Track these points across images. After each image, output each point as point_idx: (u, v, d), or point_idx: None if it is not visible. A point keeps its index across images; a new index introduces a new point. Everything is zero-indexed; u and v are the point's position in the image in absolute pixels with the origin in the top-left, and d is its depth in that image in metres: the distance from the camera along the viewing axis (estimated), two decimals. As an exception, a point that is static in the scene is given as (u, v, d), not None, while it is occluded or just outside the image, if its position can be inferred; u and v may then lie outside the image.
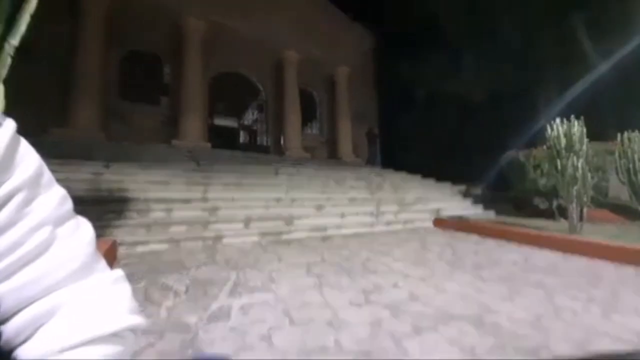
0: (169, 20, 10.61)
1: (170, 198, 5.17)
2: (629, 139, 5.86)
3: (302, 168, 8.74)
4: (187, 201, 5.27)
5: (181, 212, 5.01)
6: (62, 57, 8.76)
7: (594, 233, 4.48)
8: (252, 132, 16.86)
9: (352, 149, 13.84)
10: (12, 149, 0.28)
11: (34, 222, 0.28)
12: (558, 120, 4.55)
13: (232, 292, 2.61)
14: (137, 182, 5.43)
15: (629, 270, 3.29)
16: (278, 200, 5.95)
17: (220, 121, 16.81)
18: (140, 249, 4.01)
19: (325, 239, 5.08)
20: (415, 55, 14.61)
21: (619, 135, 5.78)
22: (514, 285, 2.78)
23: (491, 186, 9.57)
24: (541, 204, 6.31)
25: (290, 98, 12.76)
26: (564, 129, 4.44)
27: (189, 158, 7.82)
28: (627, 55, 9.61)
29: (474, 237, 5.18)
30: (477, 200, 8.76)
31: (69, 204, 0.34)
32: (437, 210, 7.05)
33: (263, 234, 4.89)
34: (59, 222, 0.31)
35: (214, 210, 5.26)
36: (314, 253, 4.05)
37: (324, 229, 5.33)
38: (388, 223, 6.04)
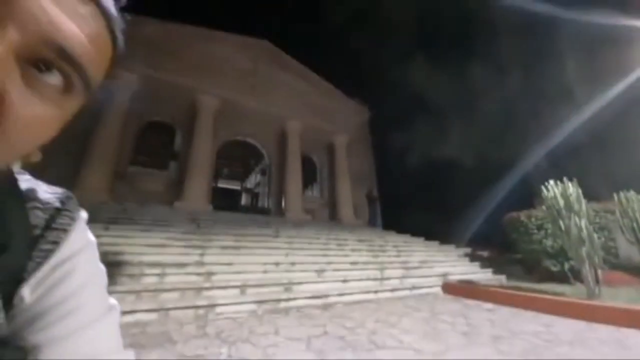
0: (184, 96, 11.89)
1: (165, 262, 4.97)
2: (627, 199, 5.93)
3: (302, 230, 8.61)
4: (182, 265, 5.05)
5: (175, 277, 4.75)
6: (81, 125, 9.52)
7: (614, 297, 4.17)
8: (254, 195, 17.17)
9: (352, 210, 13.87)
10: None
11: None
12: (552, 181, 4.69)
13: None
14: (134, 244, 5.31)
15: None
16: (277, 264, 5.70)
17: (224, 184, 17.32)
18: (125, 319, 3.69)
19: (326, 306, 4.70)
20: (408, 125, 15.90)
21: (615, 195, 5.87)
22: (540, 361, 2.47)
23: (497, 248, 9.27)
24: (552, 266, 6.01)
25: (292, 162, 13.38)
26: (559, 190, 4.54)
27: (189, 220, 7.80)
28: (599, 125, 10.43)
29: (487, 305, 4.80)
30: (484, 263, 8.38)
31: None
32: (444, 275, 6.69)
33: (260, 302, 4.54)
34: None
35: (209, 275, 5.00)
36: (315, 324, 3.70)
37: (326, 295, 4.97)
38: (394, 289, 5.66)
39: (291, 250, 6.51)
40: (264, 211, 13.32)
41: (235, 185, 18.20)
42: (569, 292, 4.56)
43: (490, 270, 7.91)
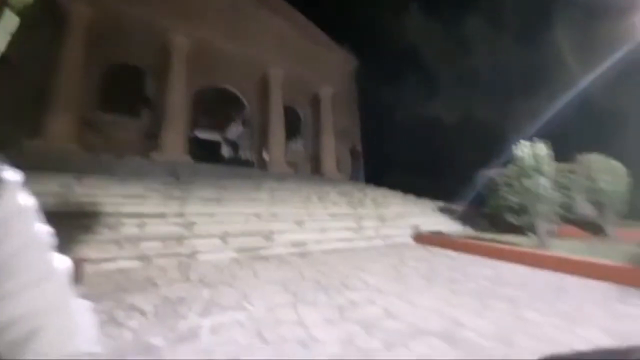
0: (154, 35, 10.64)
1: (145, 213, 5.00)
2: (588, 161, 6.33)
3: (284, 183, 8.73)
4: (162, 216, 5.11)
5: (155, 228, 4.84)
6: (40, 69, 8.53)
7: (561, 248, 4.70)
8: (235, 146, 16.79)
9: (335, 165, 14.03)
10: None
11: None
12: (523, 141, 4.86)
13: (204, 312, 2.52)
14: (110, 196, 5.23)
15: (592, 284, 3.46)
16: (258, 215, 5.88)
17: (203, 135, 16.70)
18: (108, 266, 3.82)
19: (305, 254, 5.03)
20: (396, 79, 15.36)
21: (578, 156, 6.23)
22: (485, 300, 2.85)
23: (469, 203, 9.91)
24: (514, 220, 6.57)
25: (275, 113, 12.92)
26: (529, 150, 4.73)
27: (168, 171, 7.65)
28: (588, 86, 10.51)
29: (451, 253, 5.30)
30: (455, 216, 9.02)
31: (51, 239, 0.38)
32: (417, 226, 7.19)
33: (241, 250, 4.79)
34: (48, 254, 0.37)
35: (190, 225, 5.12)
36: (292, 269, 4.00)
37: (304, 244, 5.29)
38: (368, 238, 6.08)
39: (273, 202, 6.67)
40: (246, 163, 13.21)
41: (215, 136, 17.61)
42: (523, 243, 5.07)
43: (460, 222, 8.57)
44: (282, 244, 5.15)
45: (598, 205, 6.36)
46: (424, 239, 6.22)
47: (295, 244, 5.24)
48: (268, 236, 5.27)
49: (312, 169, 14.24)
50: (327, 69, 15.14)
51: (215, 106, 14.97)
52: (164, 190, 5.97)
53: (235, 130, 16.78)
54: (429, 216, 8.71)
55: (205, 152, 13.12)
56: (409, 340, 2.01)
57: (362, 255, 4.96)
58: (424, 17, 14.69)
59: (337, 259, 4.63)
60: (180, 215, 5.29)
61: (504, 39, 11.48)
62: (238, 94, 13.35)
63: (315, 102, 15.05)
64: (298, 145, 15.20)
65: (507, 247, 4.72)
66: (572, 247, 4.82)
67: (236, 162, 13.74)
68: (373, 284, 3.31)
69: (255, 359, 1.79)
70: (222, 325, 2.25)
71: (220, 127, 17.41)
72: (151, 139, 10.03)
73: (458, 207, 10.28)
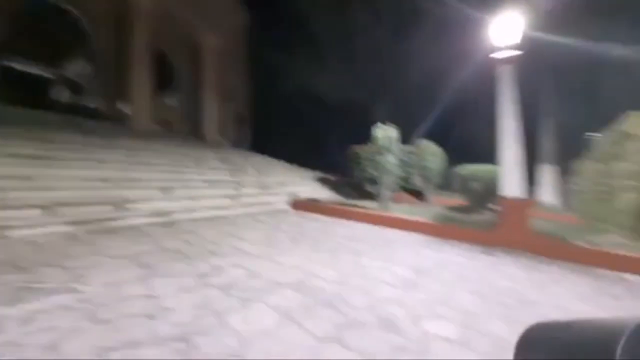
0: None
1: None
2: (422, 145, 8.31)
3: (151, 143, 7.38)
4: None
5: None
6: None
7: (396, 210, 6.09)
8: (77, 89, 12.68)
9: (217, 128, 12.91)
10: None
11: None
12: (380, 124, 5.82)
13: (11, 300, 1.91)
14: None
15: (411, 236, 4.68)
16: (107, 180, 4.79)
17: (22, 66, 11.71)
18: None
19: (168, 224, 4.52)
20: (289, 49, 15.03)
21: (416, 141, 8.07)
22: (337, 254, 3.39)
23: (342, 174, 11.32)
24: (371, 189, 8.01)
25: (139, 55, 10.40)
26: (384, 132, 5.73)
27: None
28: (442, 85, 13.40)
29: (321, 217, 5.98)
30: (331, 185, 10.16)
31: None
32: (296, 194, 7.68)
33: (77, 223, 3.82)
34: None
35: (-11, 191, 3.65)
36: (151, 241, 3.54)
37: (170, 213, 4.74)
38: (246, 206, 6.06)
39: (130, 165, 5.55)
40: (92, 113, 10.28)
41: (43, 71, 12.70)
42: (372, 207, 6.27)
43: (334, 191, 9.72)
44: (141, 214, 4.44)
45: (425, 178, 8.54)
46: (300, 205, 6.74)
47: (159, 214, 4.63)
48: (120, 205, 4.40)
49: (191, 131, 12.63)
50: (212, 15, 13.16)
51: (45, 30, 10.60)
52: None
53: (77, 67, 12.55)
54: (308, 185, 9.45)
55: (25, 92, 9.35)
56: (266, 295, 2.17)
57: (237, 223, 4.91)
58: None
59: (208, 228, 4.41)
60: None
61: (384, 30, 12.98)
62: (81, 17, 9.89)
63: (196, 54, 13.01)
64: (174, 101, 12.99)
65: (360, 210, 5.72)
66: (403, 209, 6.33)
67: (77, 110, 10.47)
68: (243, 249, 3.36)
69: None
70: (39, 313, 1.78)
71: (55, 59, 12.61)
72: None
73: (334, 177, 11.61)
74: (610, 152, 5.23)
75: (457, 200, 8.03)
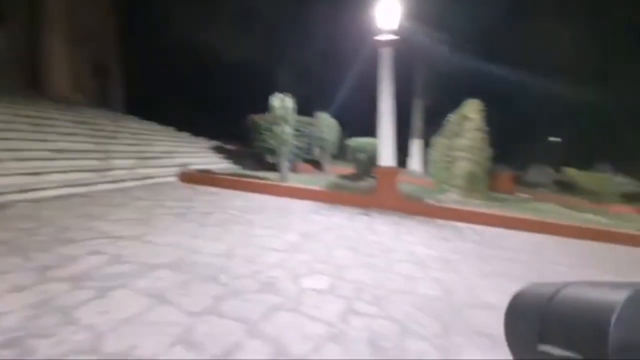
0: None
1: None
2: (320, 117, 8.70)
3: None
4: None
5: None
6: None
7: (294, 180, 6.31)
8: None
9: (70, 80, 9.90)
10: None
11: None
12: (278, 94, 5.72)
13: None
14: None
15: (305, 203, 4.97)
16: None
17: None
18: None
19: (-3, 208, 3.36)
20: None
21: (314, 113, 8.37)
22: (229, 226, 3.29)
23: (241, 143, 10.77)
24: (271, 159, 7.98)
25: None
26: (281, 102, 5.66)
27: None
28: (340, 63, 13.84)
29: (214, 190, 5.61)
30: (229, 155, 9.56)
31: None
32: (186, 165, 6.90)
33: None
34: None
35: None
36: (-45, 232, 2.55)
37: (-4, 193, 3.50)
38: (119, 180, 5.07)
39: None
40: None
41: None
42: (272, 178, 6.30)
43: (232, 161, 9.20)
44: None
45: (322, 149, 9.07)
46: (190, 178, 6.12)
47: (-27, 194, 3.34)
48: None
49: (26, 81, 9.26)
50: None
51: None
52: None
53: None
54: (203, 155, 8.63)
55: None
56: (133, 280, 1.92)
57: (102, 201, 4.06)
58: None
59: (58, 209, 3.48)
60: None
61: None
62: None
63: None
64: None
65: (258, 181, 5.67)
66: (301, 179, 6.64)
67: None
68: (106, 231, 2.82)
69: None
70: None
71: None
72: None
73: (234, 147, 10.94)
74: (453, 131, 6.75)
75: (349, 169, 8.96)
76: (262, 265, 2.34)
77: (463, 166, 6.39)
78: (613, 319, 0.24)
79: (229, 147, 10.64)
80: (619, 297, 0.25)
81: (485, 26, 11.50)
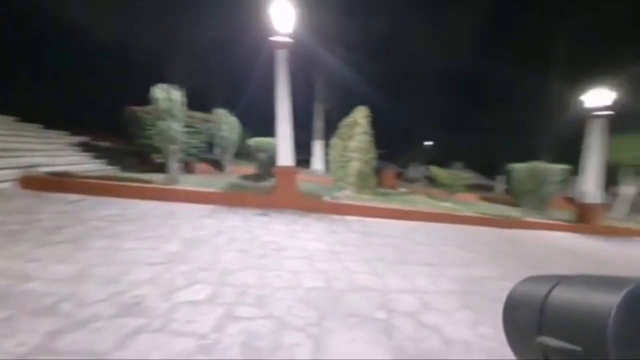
0: None
1: None
2: (221, 114, 8.15)
3: None
4: None
5: None
6: None
7: (187, 182, 5.69)
8: None
9: None
10: None
11: None
12: (161, 85, 5.04)
13: None
14: None
15: (201, 207, 4.53)
16: None
17: None
18: None
19: None
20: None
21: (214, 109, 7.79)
22: (86, 243, 2.68)
23: (120, 140, 9.03)
24: (157, 158, 6.96)
25: None
26: (165, 94, 5.00)
27: None
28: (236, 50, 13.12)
29: (76, 197, 4.51)
30: (101, 154, 7.85)
31: None
32: (33, 166, 5.29)
33: None
34: None
35: None
36: None
37: None
38: None
39: None
40: None
41: None
42: (158, 180, 5.51)
43: (106, 161, 7.59)
44: None
45: (222, 148, 8.52)
46: (37, 183, 4.73)
47: None
48: None
49: None
50: None
51: None
52: None
53: None
54: (65, 154, 6.83)
55: None
56: None
57: None
58: None
59: None
60: None
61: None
62: None
63: None
64: None
65: (138, 185, 4.86)
66: (195, 181, 6.05)
67: None
68: None
69: None
70: None
71: None
72: None
73: (109, 143, 9.07)
74: (347, 133, 7.45)
75: (252, 169, 8.73)
76: (127, 284, 2.00)
77: (354, 165, 7.12)
78: (613, 312, 0.24)
79: (103, 144, 8.78)
80: (619, 290, 0.25)
81: (375, 42, 13.21)
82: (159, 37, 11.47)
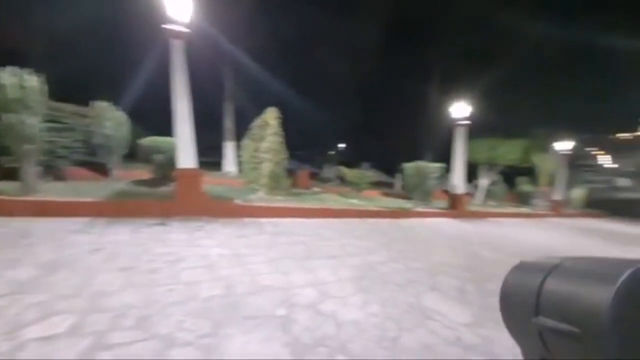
0: None
1: None
2: (100, 107, 6.80)
3: None
4: None
5: None
6: None
7: (56, 192, 4.53)
8: None
9: None
10: None
11: None
12: (9, 69, 3.89)
13: None
14: None
15: (72, 221, 3.65)
16: None
17: None
18: None
19: None
20: None
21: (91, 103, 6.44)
22: None
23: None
24: (9, 162, 5.32)
25: None
26: (15, 80, 3.87)
27: None
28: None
29: None
30: None
31: None
32: None
33: None
34: None
35: None
36: None
37: None
38: None
39: None
40: None
41: None
42: (7, 190, 4.22)
43: None
44: None
45: (106, 149, 7.12)
46: None
47: None
48: None
49: None
50: None
51: None
52: None
53: None
54: None
55: None
56: None
57: None
58: None
59: None
60: None
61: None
62: None
63: None
64: None
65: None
66: (67, 189, 4.88)
67: None
68: None
69: None
70: None
71: None
72: None
73: None
74: (258, 134, 7.32)
75: (147, 173, 7.61)
76: None
77: (266, 167, 7.06)
78: (612, 295, 0.24)
79: None
80: (619, 273, 0.25)
81: (288, 44, 13.41)
82: (16, 11, 8.81)
